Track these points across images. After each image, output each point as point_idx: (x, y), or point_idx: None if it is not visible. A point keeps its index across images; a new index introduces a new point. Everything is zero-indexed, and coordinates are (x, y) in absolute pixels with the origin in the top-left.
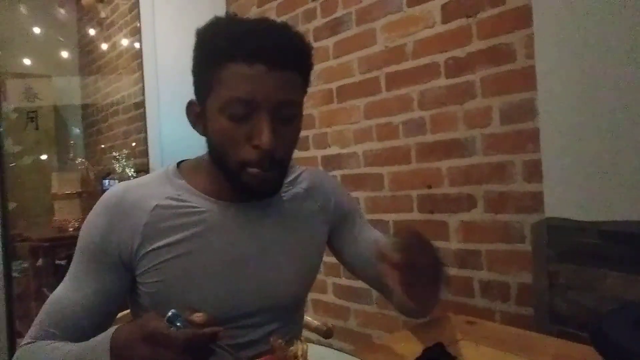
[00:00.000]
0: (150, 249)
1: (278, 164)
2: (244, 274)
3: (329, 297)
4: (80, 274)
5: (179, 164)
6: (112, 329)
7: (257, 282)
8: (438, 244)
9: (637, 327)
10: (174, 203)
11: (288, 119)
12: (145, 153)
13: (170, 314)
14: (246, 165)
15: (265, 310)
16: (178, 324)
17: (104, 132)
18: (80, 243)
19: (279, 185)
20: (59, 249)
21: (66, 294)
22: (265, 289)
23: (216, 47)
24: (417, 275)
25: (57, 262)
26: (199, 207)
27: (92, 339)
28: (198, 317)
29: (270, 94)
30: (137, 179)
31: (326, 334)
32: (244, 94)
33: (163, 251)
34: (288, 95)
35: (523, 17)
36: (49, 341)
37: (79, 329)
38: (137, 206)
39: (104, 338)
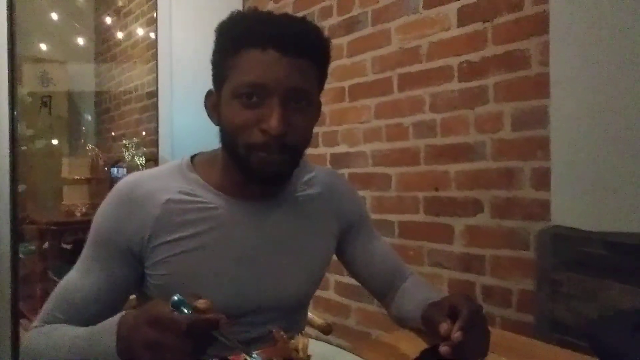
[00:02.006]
0: (160, 242)
1: (288, 149)
2: (252, 272)
3: (330, 294)
4: (91, 262)
5: (192, 157)
6: (119, 314)
7: (265, 280)
8: (442, 247)
9: (635, 332)
10: (186, 198)
11: (301, 107)
12: (155, 143)
13: (175, 299)
14: (254, 149)
15: (270, 308)
16: (182, 309)
17: (116, 120)
18: (92, 232)
19: (289, 171)
20: (65, 233)
21: (75, 281)
22: (272, 287)
23: (232, 36)
24: (470, 351)
25: (64, 245)
26: (210, 203)
27: (100, 324)
28: (201, 303)
29: (282, 79)
30: (151, 170)
31: (325, 330)
32: (256, 78)
33: (173, 245)
34: (300, 83)
35: (540, 24)
36: (57, 325)
37: (86, 316)
38: (150, 198)
39: (111, 322)
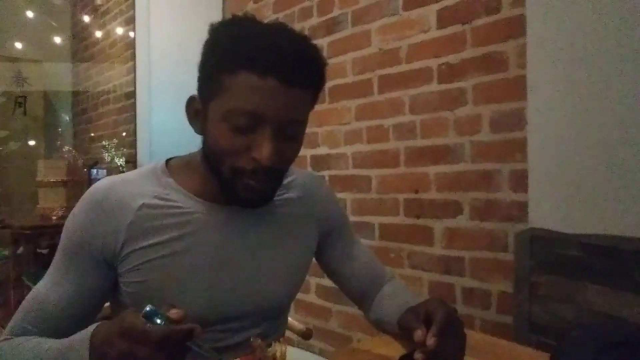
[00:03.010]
0: (134, 248)
1: (274, 176)
2: (229, 278)
3: (312, 297)
4: (62, 270)
5: (168, 161)
6: (92, 326)
7: (242, 286)
8: (423, 249)
9: (600, 352)
10: (161, 202)
11: (292, 136)
12: (133, 144)
13: (147, 309)
14: (240, 174)
15: (248, 314)
16: (155, 320)
17: (94, 121)
18: (63, 239)
19: (272, 196)
20: (41, 238)
21: (46, 290)
22: (249, 293)
23: (230, 52)
24: (445, 357)
25: (39, 251)
26: (186, 208)
27: (72, 336)
28: (174, 313)
29: (278, 110)
30: (124, 174)
31: (306, 335)
32: (252, 106)
33: (147, 251)
34: (296, 114)
35: (517, 27)
36: (27, 337)
37: (58, 327)
38: (123, 204)
39: (83, 334)
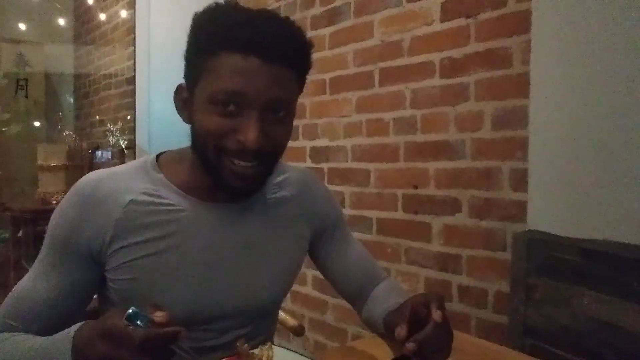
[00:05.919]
0: (122, 245)
1: (263, 158)
2: (218, 277)
3: (308, 289)
4: (48, 266)
5: (158, 156)
6: (75, 326)
7: (231, 285)
8: (420, 245)
9: None
10: (150, 199)
11: (279, 118)
12: (132, 130)
13: (130, 311)
14: (226, 154)
15: (237, 314)
16: (138, 322)
17: (96, 105)
18: (49, 233)
19: (261, 183)
20: (41, 221)
21: (31, 286)
22: (238, 293)
23: (211, 34)
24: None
25: (38, 235)
26: (175, 205)
27: (55, 335)
28: (158, 316)
29: (262, 89)
30: (114, 168)
31: (298, 332)
32: (235, 86)
33: (135, 248)
34: (281, 93)
35: (522, 22)
36: (10, 334)
37: (42, 323)
38: (111, 199)
39: (66, 334)
